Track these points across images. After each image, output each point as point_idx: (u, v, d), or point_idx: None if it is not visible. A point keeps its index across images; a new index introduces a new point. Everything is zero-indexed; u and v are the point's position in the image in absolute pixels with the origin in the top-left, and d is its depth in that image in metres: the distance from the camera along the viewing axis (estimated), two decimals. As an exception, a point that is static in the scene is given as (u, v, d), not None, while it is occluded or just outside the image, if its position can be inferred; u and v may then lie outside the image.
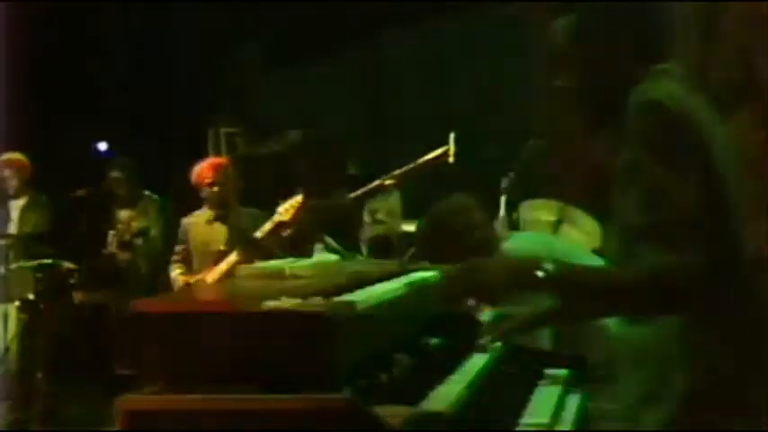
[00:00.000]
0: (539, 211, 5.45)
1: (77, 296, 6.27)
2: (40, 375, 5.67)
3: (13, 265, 5.91)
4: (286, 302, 2.24)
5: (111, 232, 6.66)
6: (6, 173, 6.54)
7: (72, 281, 6.17)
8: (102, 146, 8.44)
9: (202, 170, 5.96)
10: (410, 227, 4.77)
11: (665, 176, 2.04)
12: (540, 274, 2.15)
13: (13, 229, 6.48)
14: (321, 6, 7.62)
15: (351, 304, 2.34)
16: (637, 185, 2.08)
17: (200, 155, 6.97)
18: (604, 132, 2.29)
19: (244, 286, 2.67)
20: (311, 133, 6.81)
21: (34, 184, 6.65)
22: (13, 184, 6.55)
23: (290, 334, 2.18)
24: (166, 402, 2.20)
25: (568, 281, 2.17)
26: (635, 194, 2.09)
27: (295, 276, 2.66)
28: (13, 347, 5.78)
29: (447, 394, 2.34)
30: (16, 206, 6.58)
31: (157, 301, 2.55)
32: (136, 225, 6.63)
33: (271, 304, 2.23)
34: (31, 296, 5.83)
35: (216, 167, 6.00)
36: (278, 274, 2.67)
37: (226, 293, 2.59)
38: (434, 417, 2.20)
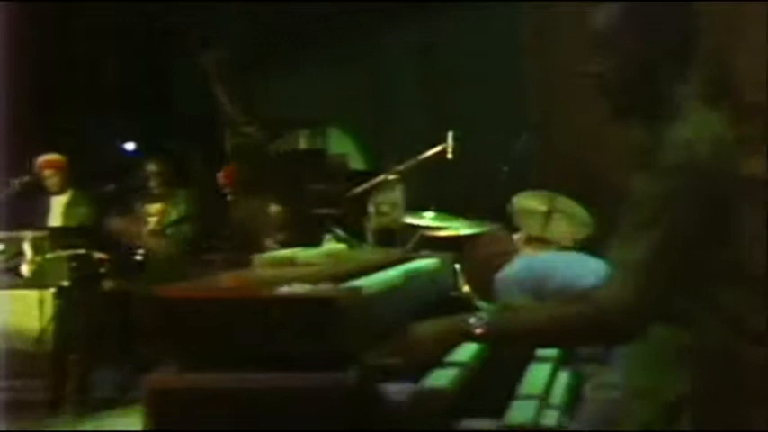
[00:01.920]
0: (530, 202, 5.40)
1: (108, 284, 6.28)
2: (74, 357, 5.68)
3: (49, 255, 5.93)
4: (298, 288, 2.22)
5: (152, 219, 6.69)
6: (46, 173, 6.58)
7: (102, 270, 6.19)
8: (130, 146, 8.41)
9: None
10: (412, 218, 4.77)
11: (664, 241, 1.99)
12: (470, 328, 2.13)
13: (54, 222, 6.53)
14: (332, 4, 7.57)
15: (358, 289, 2.32)
16: (637, 229, 2.02)
17: (218, 153, 6.95)
18: (628, 123, 2.21)
19: (259, 273, 2.66)
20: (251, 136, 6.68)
21: (75, 181, 6.67)
22: (53, 182, 6.60)
23: (301, 317, 2.17)
24: (188, 381, 2.19)
25: (498, 331, 2.15)
26: (631, 230, 2.04)
27: (306, 264, 2.65)
28: (49, 330, 5.78)
29: (447, 373, 2.32)
30: (58, 202, 6.63)
31: (178, 286, 2.53)
32: (168, 217, 6.66)
33: (284, 290, 2.22)
34: (65, 283, 5.85)
35: None
36: (290, 262, 2.66)
37: (242, 280, 2.57)
38: (436, 393, 2.18)
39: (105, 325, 5.99)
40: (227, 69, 4.99)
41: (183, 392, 2.19)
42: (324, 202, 6.45)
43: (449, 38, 7.45)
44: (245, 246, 5.74)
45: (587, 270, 3.25)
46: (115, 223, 6.08)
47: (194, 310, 2.26)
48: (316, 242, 3.36)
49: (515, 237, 5.14)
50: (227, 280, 2.55)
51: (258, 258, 2.76)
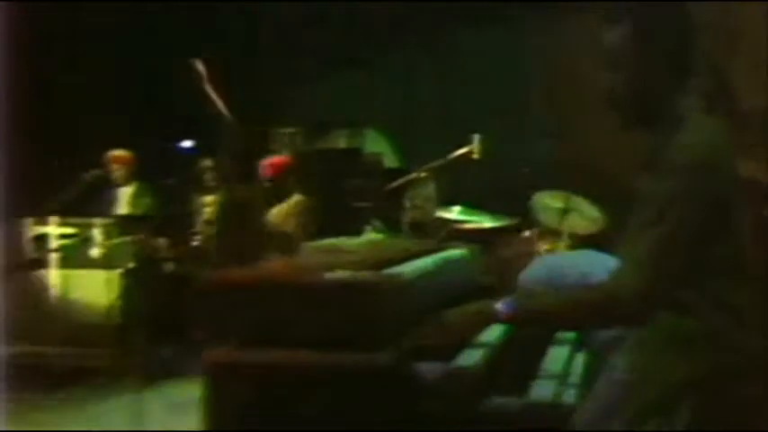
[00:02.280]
0: (548, 200, 5.38)
1: (168, 267, 6.31)
2: (137, 332, 5.69)
3: (117, 240, 5.95)
4: (342, 274, 2.20)
5: (207, 210, 6.72)
6: (114, 167, 6.61)
7: (163, 254, 6.22)
8: (187, 143, 8.38)
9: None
10: (442, 212, 4.74)
11: (669, 237, 1.97)
12: (496, 312, 2.12)
13: (120, 211, 6.57)
14: (377, 8, 7.53)
15: (396, 276, 2.30)
16: (646, 225, 2.00)
17: (264, 153, 6.92)
18: (636, 131, 2.18)
19: (307, 260, 2.63)
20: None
21: (140, 175, 6.70)
22: (120, 175, 6.63)
23: (345, 301, 2.15)
24: (242, 356, 2.18)
25: (521, 315, 2.13)
26: (641, 226, 2.01)
27: (350, 252, 2.62)
28: (116, 306, 5.81)
29: (475, 353, 2.29)
30: (124, 193, 6.66)
31: (233, 271, 2.52)
32: (222, 207, 6.67)
33: (329, 275, 2.19)
34: (131, 265, 5.88)
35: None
36: (335, 250, 2.63)
37: (292, 266, 2.54)
38: (465, 372, 2.15)
39: (165, 303, 6.01)
40: (218, 72, 4.88)
41: (238, 367, 2.18)
42: (360, 197, 6.43)
43: (473, 46, 7.40)
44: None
45: (599, 266, 3.20)
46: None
47: (247, 292, 2.25)
48: (352, 232, 3.33)
49: (530, 232, 5.10)
50: (278, 265, 2.53)
51: (306, 246, 2.73)
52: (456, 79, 7.57)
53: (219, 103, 4.58)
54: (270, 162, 6.18)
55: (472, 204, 5.36)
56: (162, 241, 6.19)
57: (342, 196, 6.65)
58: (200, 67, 4.45)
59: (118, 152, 6.66)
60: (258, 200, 5.99)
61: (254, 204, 5.95)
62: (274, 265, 2.57)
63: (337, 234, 3.14)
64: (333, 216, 6.11)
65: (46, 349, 6.02)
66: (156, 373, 5.68)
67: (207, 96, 4.44)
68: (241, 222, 5.83)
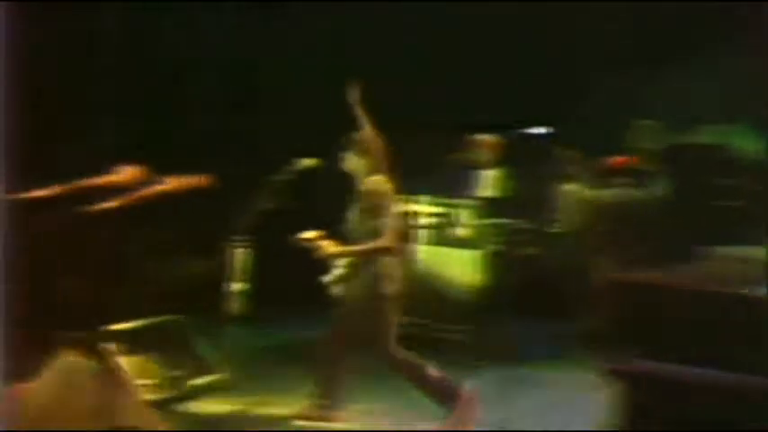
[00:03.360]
0: None
1: (529, 250, 6.25)
2: (494, 311, 5.71)
3: (483, 221, 5.99)
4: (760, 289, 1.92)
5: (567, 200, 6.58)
6: (481, 151, 6.60)
7: (523, 237, 6.16)
8: (540, 130, 8.19)
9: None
10: None
11: None
12: None
13: (483, 193, 6.57)
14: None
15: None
16: None
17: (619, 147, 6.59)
18: None
19: (715, 269, 2.36)
20: None
21: (504, 159, 6.67)
22: (486, 159, 6.61)
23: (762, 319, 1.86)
24: (646, 368, 1.98)
25: None
26: None
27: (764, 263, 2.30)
28: (477, 285, 5.84)
29: None
30: (485, 176, 6.64)
31: (630, 275, 2.32)
32: (580, 196, 6.49)
33: (746, 289, 1.92)
34: (498, 247, 5.88)
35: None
36: (748, 260, 2.33)
37: (702, 274, 2.28)
38: None
39: (523, 285, 5.96)
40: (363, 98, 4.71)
41: (639, 377, 1.99)
42: (730, 196, 5.92)
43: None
44: None
45: None
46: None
47: (649, 298, 2.04)
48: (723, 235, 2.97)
49: None
50: (686, 272, 2.28)
51: (717, 251, 2.46)
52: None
53: (366, 124, 4.50)
54: (612, 160, 5.95)
55: None
56: (522, 225, 6.12)
57: (708, 195, 6.15)
58: (354, 91, 4.42)
59: (485, 136, 6.65)
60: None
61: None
62: (682, 271, 2.32)
63: (702, 237, 2.80)
64: (699, 216, 5.68)
65: (409, 320, 6.19)
66: (501, 351, 5.64)
67: (357, 117, 4.39)
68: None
